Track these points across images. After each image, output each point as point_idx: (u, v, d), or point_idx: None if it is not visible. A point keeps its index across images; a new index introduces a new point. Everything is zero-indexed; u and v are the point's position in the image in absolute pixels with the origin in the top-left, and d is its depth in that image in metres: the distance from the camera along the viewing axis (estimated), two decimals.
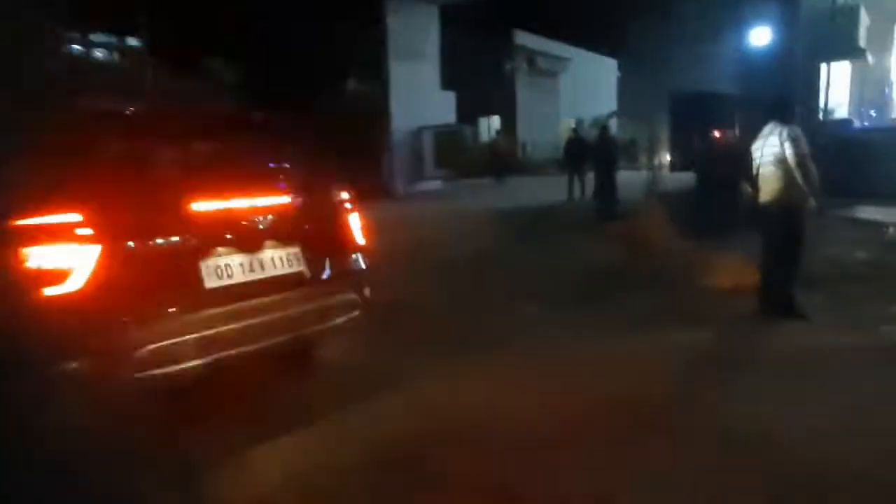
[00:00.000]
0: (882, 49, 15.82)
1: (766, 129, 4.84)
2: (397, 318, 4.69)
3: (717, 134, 13.50)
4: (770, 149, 4.70)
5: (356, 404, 3.31)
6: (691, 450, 2.81)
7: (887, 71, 17.46)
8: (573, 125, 12.74)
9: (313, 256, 3.19)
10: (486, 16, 26.53)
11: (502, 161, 20.50)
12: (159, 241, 2.67)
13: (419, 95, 22.31)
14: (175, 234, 2.71)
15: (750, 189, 5.10)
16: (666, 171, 13.66)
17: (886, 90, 15.70)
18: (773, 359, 4.03)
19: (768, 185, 4.72)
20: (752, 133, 12.93)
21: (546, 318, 5.16)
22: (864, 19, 13.65)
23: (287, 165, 3.48)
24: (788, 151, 4.57)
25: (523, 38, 26.38)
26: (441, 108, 23.99)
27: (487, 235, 9.21)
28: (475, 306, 5.56)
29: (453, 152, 22.82)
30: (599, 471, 2.63)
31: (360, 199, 3.57)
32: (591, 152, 11.66)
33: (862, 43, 13.84)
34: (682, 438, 2.91)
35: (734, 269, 5.99)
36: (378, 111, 19.96)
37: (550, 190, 14.60)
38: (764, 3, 13.15)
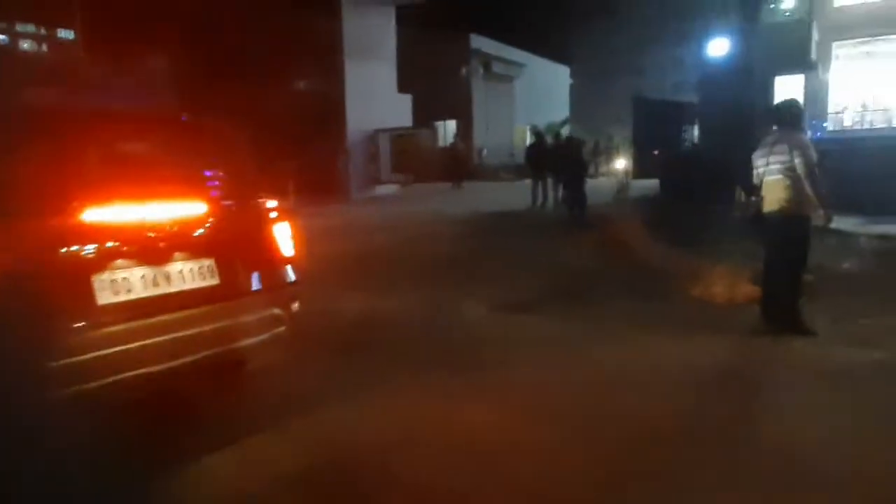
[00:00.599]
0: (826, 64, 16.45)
1: (771, 137, 4.67)
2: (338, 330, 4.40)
3: (668, 145, 13.71)
4: (777, 157, 4.53)
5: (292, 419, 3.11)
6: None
7: (826, 85, 18.17)
8: (536, 129, 12.42)
9: (231, 269, 2.94)
10: (442, 18, 26.29)
11: (460, 166, 20.21)
12: (44, 252, 2.43)
13: (375, 97, 21.79)
14: (63, 246, 2.46)
15: (752, 198, 4.93)
16: (630, 178, 13.68)
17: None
18: (800, 376, 3.83)
19: (775, 194, 4.54)
20: (712, 141, 13.07)
21: (536, 328, 4.85)
22: (815, 35, 14.08)
23: (207, 170, 3.19)
24: (798, 160, 4.40)
25: (479, 42, 26.28)
26: (397, 110, 23.53)
27: (454, 240, 8.86)
28: (460, 319, 5.19)
29: (410, 156, 22.39)
30: None
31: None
32: (553, 158, 11.45)
33: (814, 57, 14.26)
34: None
35: (725, 280, 5.83)
36: (333, 112, 19.32)
37: (511, 195, 14.41)
38: (722, 15, 13.40)
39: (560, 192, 11.37)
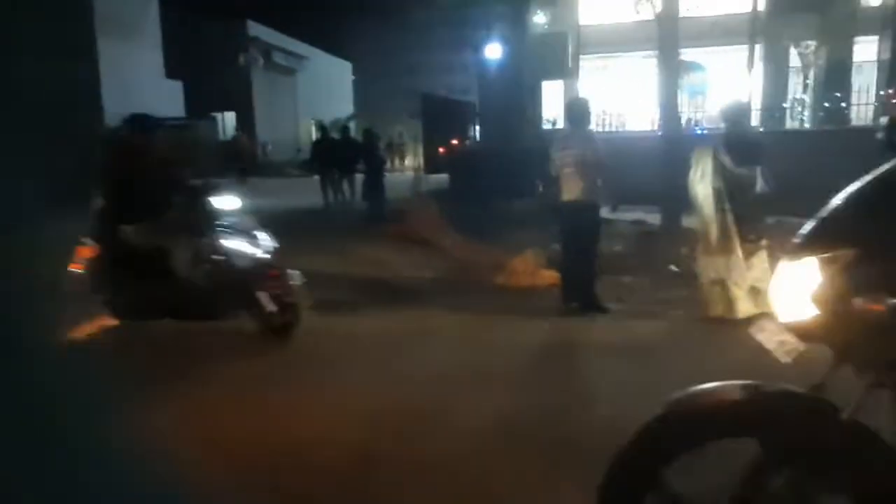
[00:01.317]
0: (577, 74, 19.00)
1: (566, 132, 5.06)
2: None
3: (454, 141, 14.46)
4: (570, 150, 4.91)
5: None
6: None
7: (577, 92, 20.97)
8: (321, 125, 11.93)
9: None
10: (215, 2, 24.24)
11: (244, 161, 18.84)
12: None
13: (138, 82, 19.27)
14: None
15: (543, 189, 5.32)
16: (423, 173, 14.06)
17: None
18: (611, 347, 4.22)
19: (571, 184, 4.93)
20: (491, 138, 13.95)
21: (355, 326, 4.64)
22: (570, 47, 15.98)
23: None
24: (591, 155, 4.83)
25: (257, 30, 24.83)
26: (166, 98, 21.13)
27: None
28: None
29: (183, 150, 20.26)
30: None
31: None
32: (342, 153, 11.07)
33: (571, 65, 16.15)
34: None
35: (526, 267, 6.23)
36: (85, 97, 16.64)
37: (302, 192, 13.81)
38: (496, 22, 14.47)
39: (351, 189, 11.10)
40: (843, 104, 14.12)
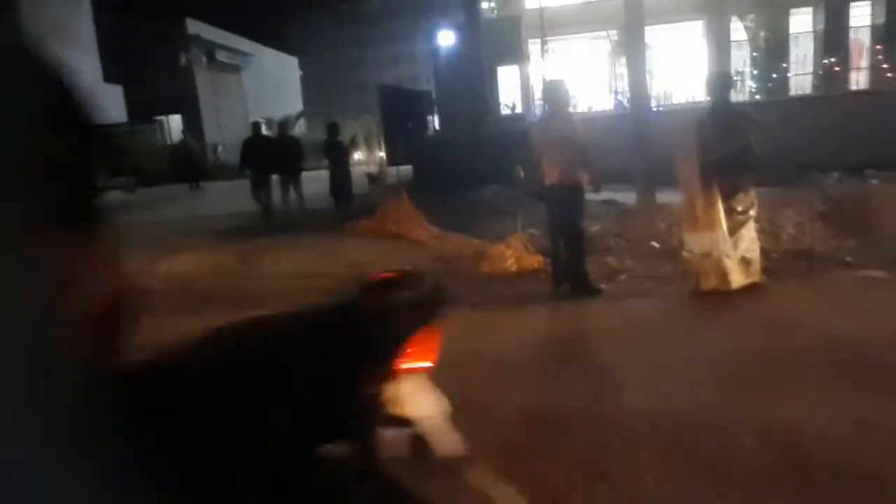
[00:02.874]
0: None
1: (546, 115, 5.00)
2: None
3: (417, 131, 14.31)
4: (555, 133, 4.86)
5: None
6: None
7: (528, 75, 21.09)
8: (256, 122, 10.87)
9: None
10: (150, 2, 23.29)
11: (195, 165, 18.19)
12: None
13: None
14: None
15: (523, 174, 5.26)
16: (386, 166, 13.84)
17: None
18: (615, 329, 4.20)
19: (555, 167, 4.87)
20: (452, 126, 13.84)
21: None
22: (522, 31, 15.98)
23: None
24: (574, 135, 4.78)
25: (197, 28, 23.94)
26: (106, 103, 20.20)
27: (223, 245, 7.85)
28: None
29: (130, 156, 19.44)
30: None
31: None
32: (280, 153, 10.12)
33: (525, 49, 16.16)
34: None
35: (511, 253, 6.17)
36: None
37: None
38: (448, 10, 14.35)
39: (297, 192, 10.40)
40: (788, 75, 14.60)
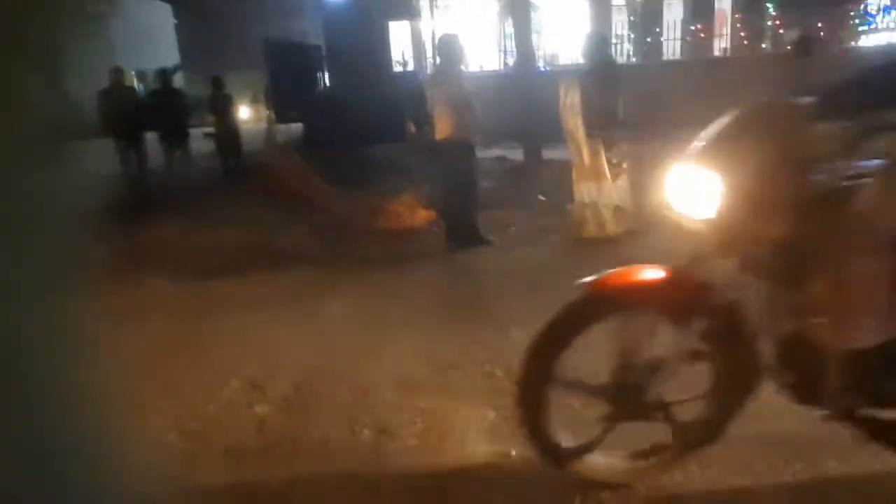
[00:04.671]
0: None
1: (437, 70, 5.07)
2: None
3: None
4: (443, 88, 4.95)
5: None
6: None
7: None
8: (118, 69, 8.62)
9: None
10: None
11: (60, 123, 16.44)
12: None
13: None
14: None
15: (417, 130, 5.35)
16: (274, 124, 13.27)
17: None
18: (504, 272, 4.49)
19: (444, 122, 4.98)
20: (342, 83, 13.53)
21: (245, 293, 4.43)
22: None
23: None
24: (459, 91, 4.90)
25: None
26: None
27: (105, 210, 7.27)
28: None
29: None
30: None
31: None
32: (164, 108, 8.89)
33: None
34: None
35: (403, 209, 6.27)
36: None
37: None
38: None
39: (173, 153, 9.23)
40: (662, 40, 15.59)
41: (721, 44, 16.90)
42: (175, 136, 9.21)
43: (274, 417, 2.67)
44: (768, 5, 17.25)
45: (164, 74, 9.53)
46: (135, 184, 8.84)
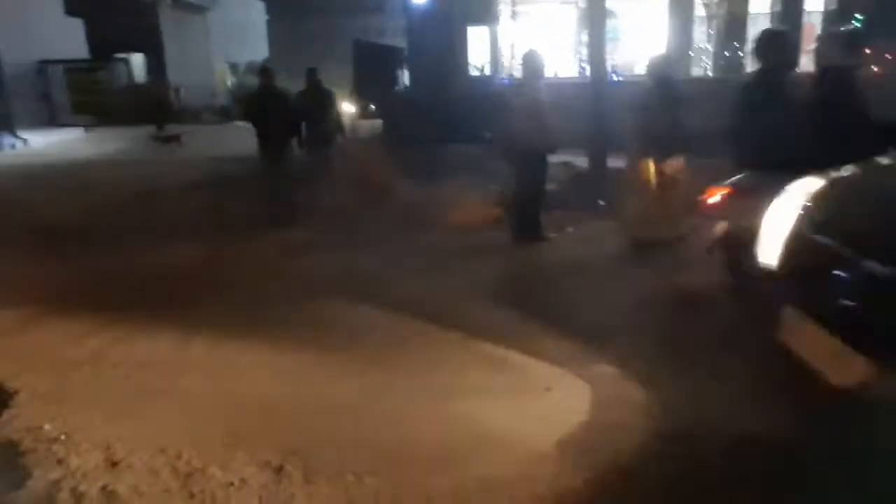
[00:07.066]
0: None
1: (518, 82, 5.68)
2: None
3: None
4: (523, 98, 5.56)
5: None
6: None
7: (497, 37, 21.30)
8: (266, 67, 9.00)
9: None
10: None
11: (163, 107, 18.05)
12: None
13: (35, 20, 17.86)
14: None
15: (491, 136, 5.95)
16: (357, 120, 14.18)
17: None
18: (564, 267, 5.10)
19: (523, 130, 5.57)
20: (421, 84, 14.14)
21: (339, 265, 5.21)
22: None
23: None
24: (538, 103, 5.49)
25: None
26: (67, 38, 19.73)
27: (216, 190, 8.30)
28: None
29: (94, 95, 19.15)
30: None
31: None
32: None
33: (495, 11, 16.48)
34: None
35: (476, 207, 6.90)
36: None
37: (233, 139, 13.58)
38: None
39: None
40: (741, 53, 15.46)
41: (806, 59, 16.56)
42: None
43: None
44: (857, 20, 16.79)
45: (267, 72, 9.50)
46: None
